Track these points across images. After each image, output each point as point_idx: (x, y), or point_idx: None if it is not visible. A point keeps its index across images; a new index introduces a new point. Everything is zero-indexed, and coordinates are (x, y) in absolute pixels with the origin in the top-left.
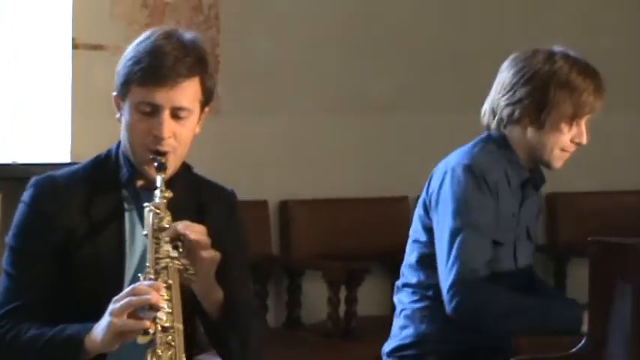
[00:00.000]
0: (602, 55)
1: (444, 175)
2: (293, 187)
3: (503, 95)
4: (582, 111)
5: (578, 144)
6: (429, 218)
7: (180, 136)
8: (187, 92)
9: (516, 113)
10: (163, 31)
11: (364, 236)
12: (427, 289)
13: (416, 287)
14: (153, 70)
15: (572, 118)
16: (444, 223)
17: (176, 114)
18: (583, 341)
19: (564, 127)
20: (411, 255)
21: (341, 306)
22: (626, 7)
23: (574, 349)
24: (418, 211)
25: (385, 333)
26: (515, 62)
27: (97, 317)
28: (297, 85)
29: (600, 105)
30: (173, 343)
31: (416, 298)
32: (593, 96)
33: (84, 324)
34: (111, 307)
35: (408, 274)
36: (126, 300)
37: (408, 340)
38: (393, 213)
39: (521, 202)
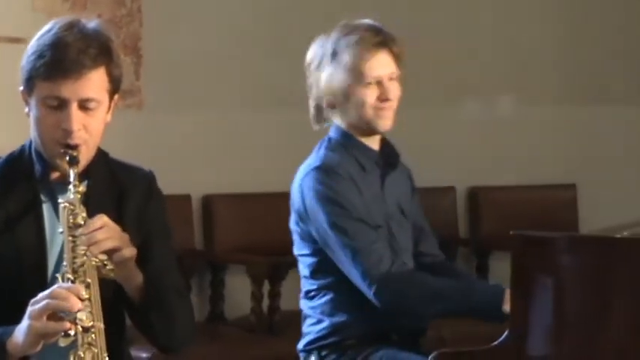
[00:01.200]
0: (524, 49)
1: (300, 187)
2: (217, 182)
3: (308, 88)
4: (364, 67)
5: (386, 100)
6: (306, 229)
7: (91, 127)
8: (93, 83)
9: (322, 101)
10: (65, 22)
11: (288, 230)
12: (328, 289)
13: (318, 290)
14: (56, 64)
15: (361, 78)
16: (324, 227)
17: (84, 105)
18: (505, 334)
19: (359, 91)
20: (303, 269)
21: (264, 300)
22: None
23: (496, 342)
24: (292, 227)
25: None
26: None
27: (22, 315)
28: (220, 79)
29: (384, 57)
30: (95, 343)
31: (320, 296)
32: (370, 47)
33: (5, 327)
34: (29, 309)
35: (307, 284)
36: (44, 303)
37: (324, 332)
38: None
39: (382, 182)
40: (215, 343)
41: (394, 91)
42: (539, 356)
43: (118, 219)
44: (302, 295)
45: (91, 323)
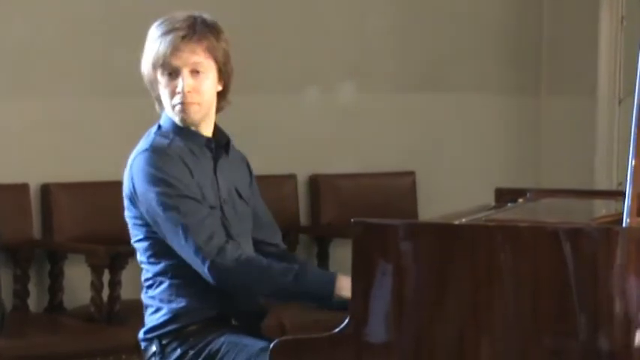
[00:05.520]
0: (364, 37)
1: (130, 170)
2: (55, 170)
3: None
4: (157, 61)
5: (178, 93)
6: (137, 216)
7: None
8: None
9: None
10: None
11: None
12: (165, 273)
13: (155, 277)
14: None
15: (154, 70)
16: (154, 207)
17: None
18: (346, 321)
19: (157, 84)
20: (140, 256)
21: (104, 290)
22: None
23: (336, 330)
24: (126, 214)
25: None
26: None
27: None
28: (58, 66)
29: (182, 51)
30: None
31: (156, 284)
32: (170, 41)
33: None
34: None
35: (144, 271)
36: None
37: (163, 319)
38: None
39: (214, 166)
40: (54, 333)
41: (189, 82)
42: (380, 343)
43: None
44: (142, 285)
45: None
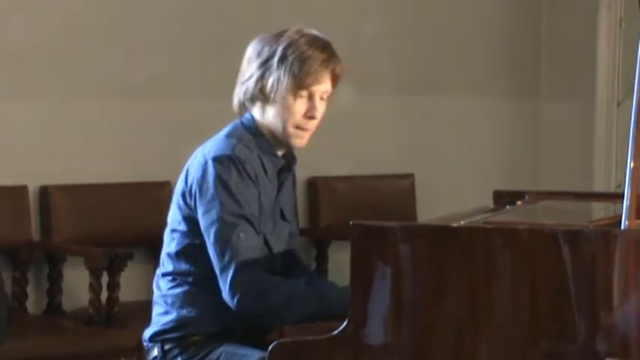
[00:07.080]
0: (363, 40)
1: (205, 165)
2: (53, 172)
3: (241, 76)
4: (305, 81)
5: (311, 117)
6: (190, 208)
7: None
8: None
9: (248, 91)
10: None
11: (127, 222)
12: (187, 275)
13: (176, 275)
14: None
15: (297, 89)
16: (211, 215)
17: None
18: (345, 323)
19: (290, 100)
20: (170, 244)
21: (103, 292)
22: None
23: (336, 332)
24: (177, 200)
25: (148, 318)
26: (254, 43)
27: None
28: (58, 68)
29: (326, 76)
30: None
31: (175, 284)
32: (317, 65)
33: None
34: None
35: (168, 262)
36: None
37: (170, 325)
38: (155, 198)
39: (279, 188)
40: (53, 335)
41: (320, 109)
42: (378, 345)
43: None
44: (157, 273)
45: None
